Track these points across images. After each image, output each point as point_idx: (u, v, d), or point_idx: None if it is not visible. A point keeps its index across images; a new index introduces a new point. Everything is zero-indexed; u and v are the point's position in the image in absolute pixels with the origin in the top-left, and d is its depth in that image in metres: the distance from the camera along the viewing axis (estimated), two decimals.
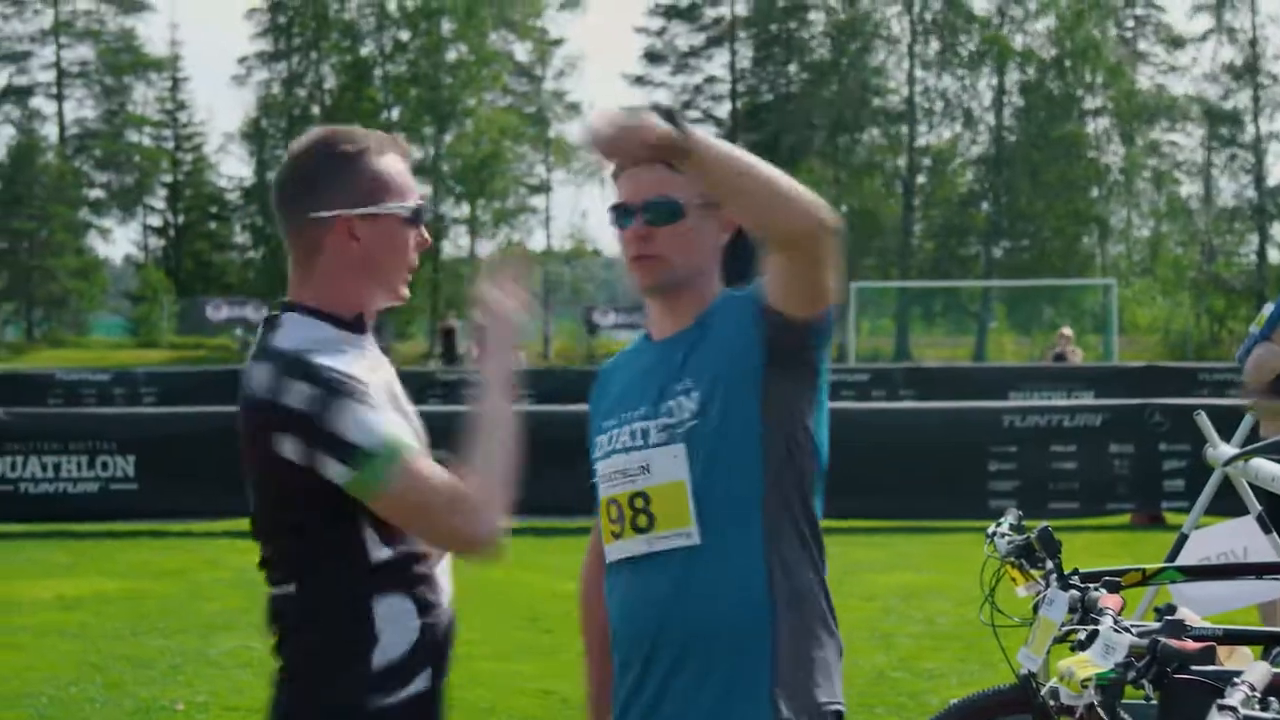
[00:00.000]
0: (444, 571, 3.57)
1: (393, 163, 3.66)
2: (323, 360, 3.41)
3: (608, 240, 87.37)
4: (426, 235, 3.64)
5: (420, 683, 3.46)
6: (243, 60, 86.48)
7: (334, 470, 3.32)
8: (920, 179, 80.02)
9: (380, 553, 3.43)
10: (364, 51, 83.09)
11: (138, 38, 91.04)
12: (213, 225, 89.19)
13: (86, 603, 13.05)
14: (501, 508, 3.36)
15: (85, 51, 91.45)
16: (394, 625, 3.42)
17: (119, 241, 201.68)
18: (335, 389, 3.34)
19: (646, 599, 3.65)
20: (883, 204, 78.59)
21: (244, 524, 14.41)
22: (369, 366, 3.50)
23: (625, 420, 3.75)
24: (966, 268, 76.64)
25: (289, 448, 3.37)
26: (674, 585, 3.61)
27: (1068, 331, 33.19)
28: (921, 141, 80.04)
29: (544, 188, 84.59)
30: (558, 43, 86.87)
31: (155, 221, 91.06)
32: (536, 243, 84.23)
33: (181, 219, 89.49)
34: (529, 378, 33.63)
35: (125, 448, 17.40)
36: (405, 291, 3.66)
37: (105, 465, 17.39)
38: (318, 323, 3.56)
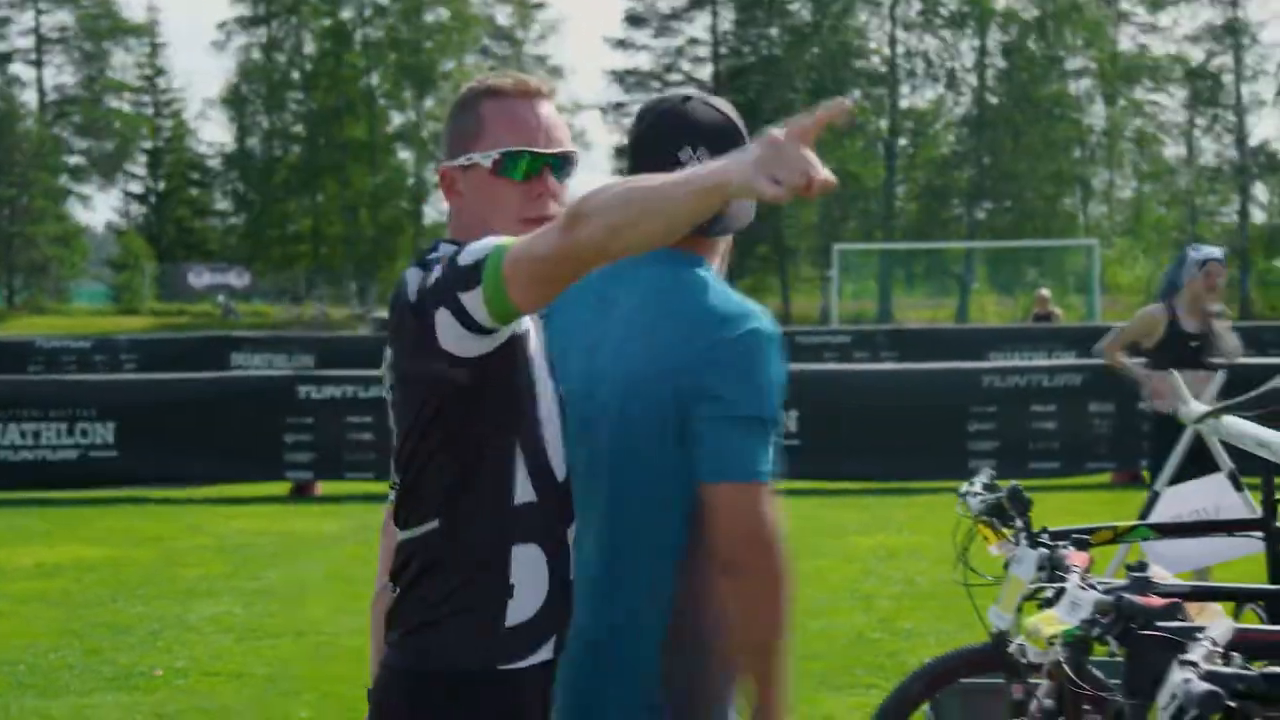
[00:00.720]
0: (574, 543, 3.36)
1: (500, 108, 3.41)
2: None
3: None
4: (546, 182, 3.36)
5: (545, 651, 3.28)
6: (222, 25, 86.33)
7: (472, 303, 3.06)
8: (902, 141, 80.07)
9: (526, 494, 3.25)
10: (344, 15, 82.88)
11: (116, 3, 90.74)
12: (194, 192, 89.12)
13: (66, 570, 13.04)
14: (618, 209, 2.88)
15: (64, 17, 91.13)
16: (529, 578, 3.24)
17: (99, 208, 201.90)
18: (460, 248, 3.15)
19: None
20: (865, 166, 78.60)
21: (222, 490, 14.39)
22: None
23: None
24: (949, 229, 76.67)
25: (443, 325, 3.11)
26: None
27: (1045, 292, 33.21)
28: (903, 103, 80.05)
29: None
30: (538, 6, 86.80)
31: (136, 188, 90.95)
32: None
33: (162, 185, 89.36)
34: None
35: (105, 414, 17.38)
36: None
37: (85, 432, 17.36)
38: None
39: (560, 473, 3.30)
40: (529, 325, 3.30)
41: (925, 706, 5.87)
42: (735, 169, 2.83)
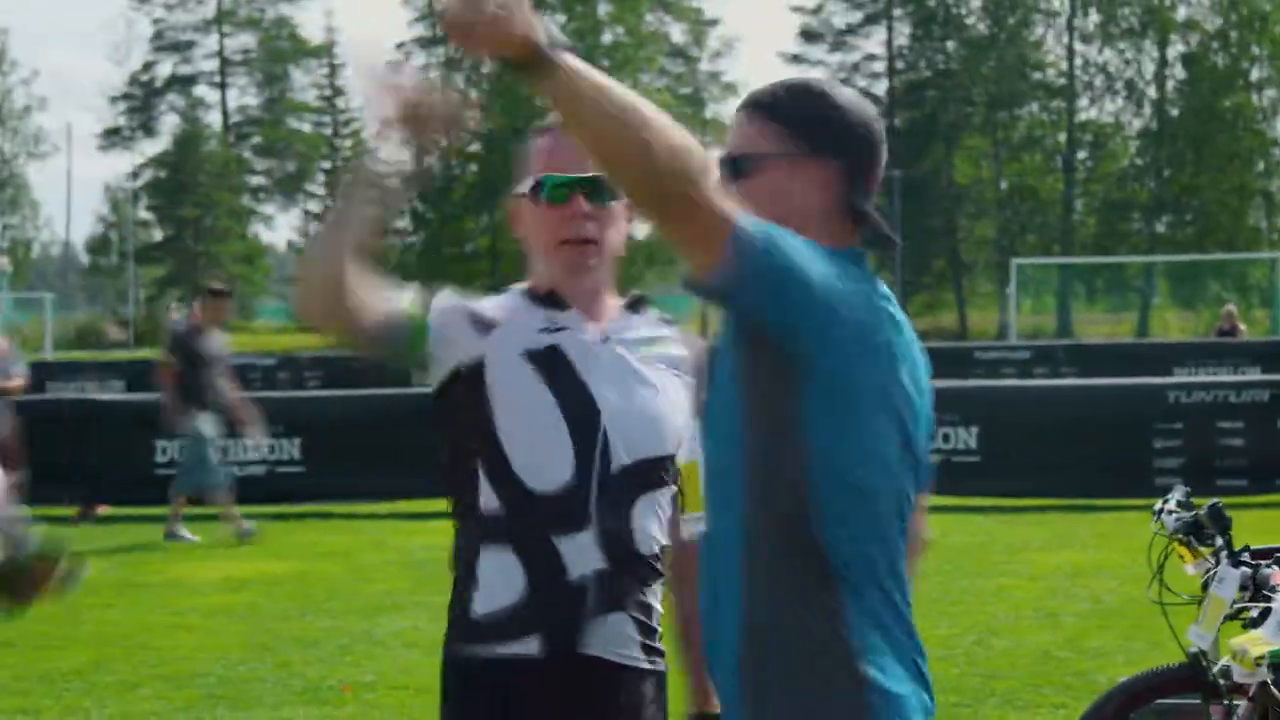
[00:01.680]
0: (580, 547, 3.55)
1: (544, 141, 3.71)
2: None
3: None
4: (577, 204, 3.62)
5: (527, 646, 3.52)
6: (400, 45, 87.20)
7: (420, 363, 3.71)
8: (1081, 154, 79.15)
9: (491, 504, 3.57)
10: None
11: (296, 25, 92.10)
12: None
13: (254, 584, 13.23)
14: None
15: (247, 40, 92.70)
16: (494, 575, 3.56)
17: (281, 228, 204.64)
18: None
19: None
20: (1043, 180, 77.83)
21: (406, 506, 14.58)
22: (529, 324, 3.65)
23: None
24: (1129, 243, 75.66)
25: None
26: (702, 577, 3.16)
27: (1231, 307, 32.73)
28: (1082, 116, 79.17)
29: None
30: (713, 23, 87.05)
31: (315, 207, 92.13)
32: None
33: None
34: None
35: (292, 430, 17.62)
36: (561, 267, 3.66)
37: (272, 448, 17.62)
38: (517, 293, 3.76)
39: (539, 484, 3.55)
40: (485, 353, 3.60)
41: None
42: None
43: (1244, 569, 4.51)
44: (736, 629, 2.96)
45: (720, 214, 2.81)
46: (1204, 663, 4.77)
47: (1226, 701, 4.89)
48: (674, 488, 3.71)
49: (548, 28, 2.78)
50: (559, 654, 3.54)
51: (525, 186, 3.69)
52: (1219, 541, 4.91)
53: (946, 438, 17.01)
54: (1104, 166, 78.81)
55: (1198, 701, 5.31)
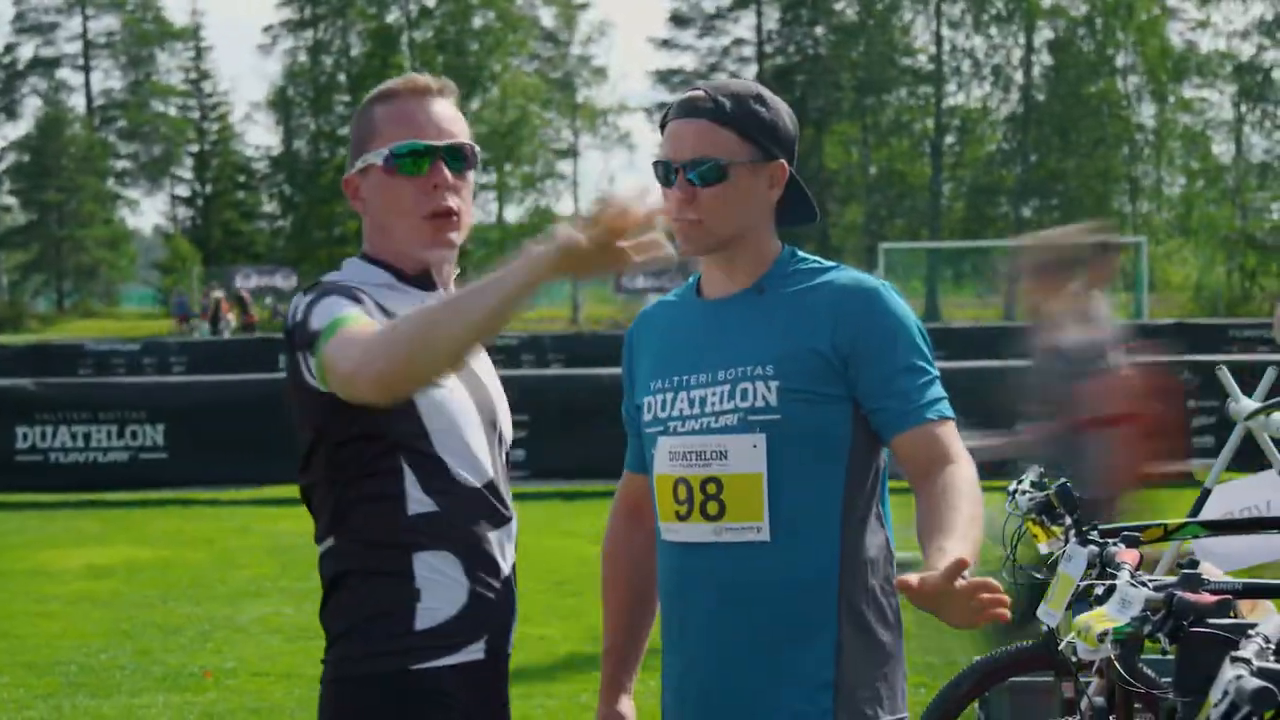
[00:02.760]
0: (503, 541, 3.43)
1: (391, 109, 3.48)
2: (336, 277, 3.44)
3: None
4: (440, 174, 3.42)
5: (473, 652, 3.35)
6: (268, 29, 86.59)
7: (311, 366, 3.25)
8: (949, 139, 79.82)
9: (423, 505, 3.32)
10: (390, 18, 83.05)
11: (162, 7, 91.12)
12: (240, 195, 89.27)
13: (117, 571, 13.10)
14: (389, 355, 3.02)
15: (110, 22, 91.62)
16: (436, 583, 3.32)
17: (147, 212, 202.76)
18: (325, 291, 3.32)
19: (709, 585, 3.47)
20: (911, 165, 78.42)
21: (272, 492, 14.49)
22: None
23: (681, 385, 3.52)
24: (996, 228, 76.37)
25: (304, 365, 3.29)
26: (740, 578, 3.43)
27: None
28: (950, 102, 79.83)
29: (571, 153, 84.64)
30: (584, 7, 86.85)
31: (183, 191, 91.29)
32: (564, 208, 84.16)
33: (209, 189, 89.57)
34: (559, 343, 33.76)
35: (154, 416, 17.45)
36: (429, 242, 3.44)
37: (135, 434, 17.44)
38: (372, 267, 3.49)
39: (475, 479, 3.38)
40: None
41: (975, 705, 5.86)
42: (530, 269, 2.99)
43: (1092, 547, 4.57)
44: (835, 588, 3.39)
45: None
46: (1055, 641, 4.83)
47: (1077, 679, 4.96)
48: None
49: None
50: (495, 655, 3.42)
51: (376, 156, 3.44)
52: (1068, 520, 4.98)
53: None
54: (971, 151, 79.52)
55: (1050, 679, 5.39)
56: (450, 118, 3.48)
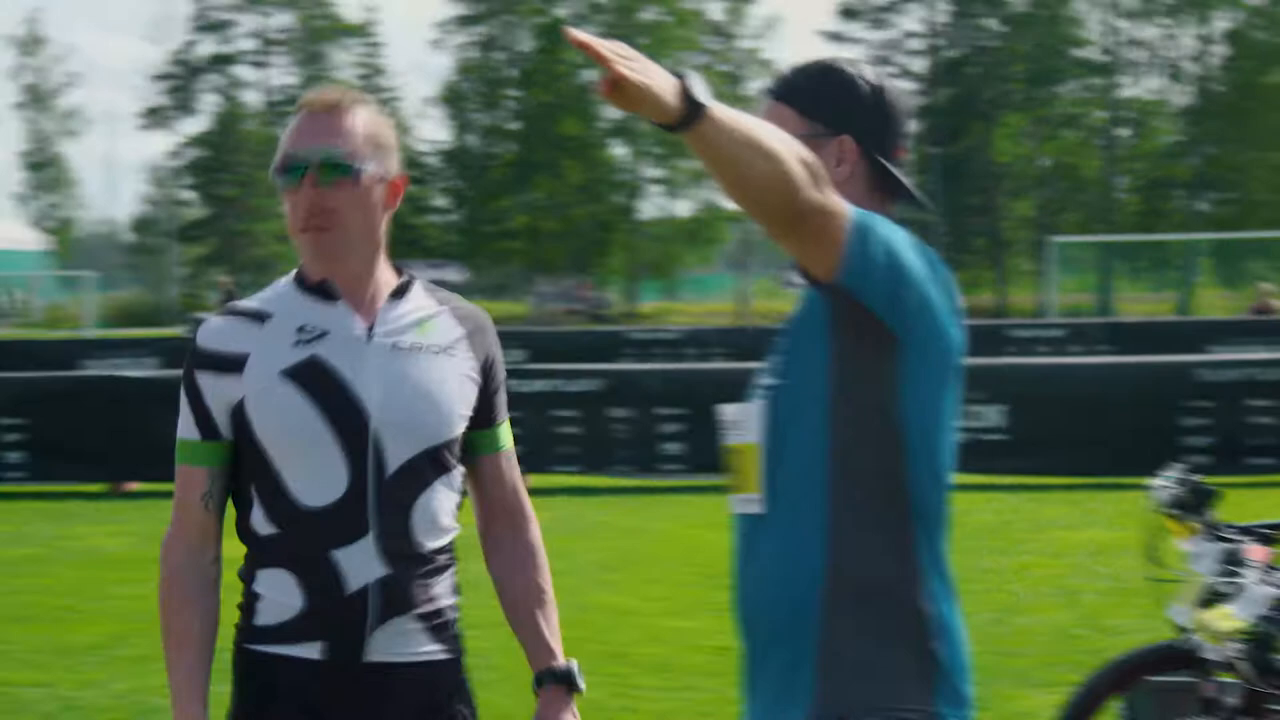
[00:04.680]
0: (356, 560, 3.54)
1: (291, 124, 3.66)
2: (205, 331, 3.66)
3: None
4: (305, 187, 3.58)
5: (308, 650, 3.56)
6: (440, 24, 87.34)
7: None
8: (1122, 132, 78.77)
9: (264, 528, 3.59)
10: (559, 12, 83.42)
11: (335, 4, 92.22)
12: (412, 189, 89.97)
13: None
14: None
15: (286, 19, 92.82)
16: (272, 594, 3.58)
17: None
18: (187, 364, 3.64)
19: (735, 562, 3.50)
20: (1083, 158, 77.47)
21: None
22: (284, 339, 3.60)
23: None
24: (1171, 221, 75.29)
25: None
26: (743, 555, 3.43)
27: (1266, 286, 32.52)
28: (1123, 93, 78.78)
29: None
30: (752, 1, 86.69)
31: None
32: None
33: None
34: (722, 336, 33.74)
35: None
36: (309, 255, 3.63)
37: None
38: (288, 286, 3.74)
39: (312, 500, 3.54)
40: (243, 393, 3.55)
41: (1116, 703, 5.78)
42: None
43: (1221, 544, 4.48)
44: (820, 577, 3.23)
45: (837, 214, 3.07)
46: (1190, 639, 4.75)
47: (1213, 677, 4.87)
48: (461, 468, 3.72)
49: (692, 83, 2.89)
50: (344, 661, 3.56)
51: (271, 171, 3.65)
52: (1202, 517, 4.89)
53: (974, 415, 16.96)
54: (1145, 144, 78.42)
55: (1188, 679, 5.30)
56: (327, 129, 3.63)
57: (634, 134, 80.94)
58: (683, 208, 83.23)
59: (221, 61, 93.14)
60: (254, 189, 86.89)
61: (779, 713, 3.30)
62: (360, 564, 3.53)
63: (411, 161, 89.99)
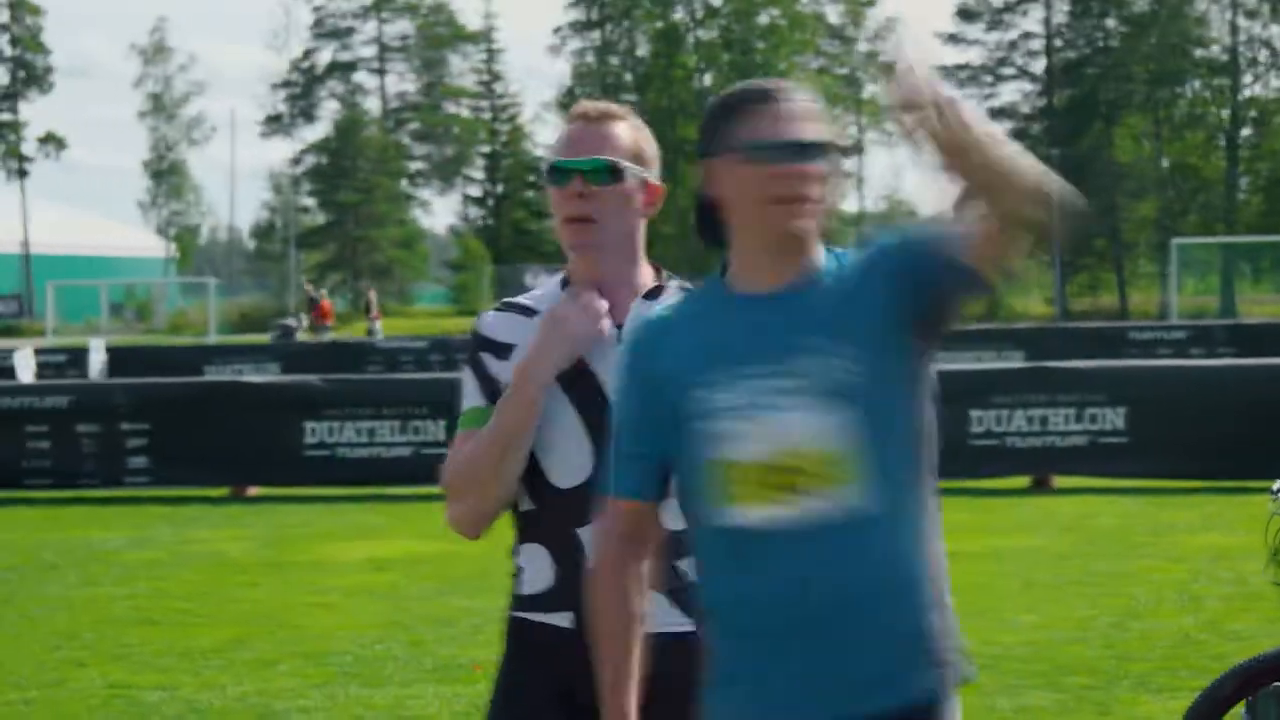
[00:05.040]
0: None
1: (563, 133, 4.03)
2: (483, 321, 4.06)
3: (923, 201, 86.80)
4: (573, 188, 3.91)
5: (560, 619, 3.86)
6: (557, 30, 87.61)
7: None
8: (1245, 131, 77.87)
9: (525, 505, 3.92)
10: (676, 17, 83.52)
11: (454, 10, 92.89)
12: (530, 194, 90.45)
13: (396, 564, 13.37)
14: (459, 497, 3.88)
15: (404, 26, 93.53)
16: (531, 567, 3.91)
17: (439, 212, 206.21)
18: (470, 348, 4.02)
19: (806, 565, 3.37)
20: (1205, 158, 76.66)
21: None
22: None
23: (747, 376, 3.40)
24: None
25: None
26: (847, 551, 3.34)
27: None
28: (1246, 93, 77.89)
29: (857, 149, 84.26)
30: (870, 3, 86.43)
31: (474, 191, 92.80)
32: (849, 205, 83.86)
33: (499, 188, 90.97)
34: None
35: (436, 412, 17.71)
36: (570, 250, 3.99)
37: (417, 430, 17.77)
38: (554, 284, 4.12)
39: (563, 482, 3.87)
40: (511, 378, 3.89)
41: (1240, 708, 5.71)
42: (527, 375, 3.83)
43: None
44: (919, 581, 3.33)
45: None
46: None
47: None
48: None
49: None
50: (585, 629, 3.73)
51: (544, 171, 4.03)
52: None
53: (1094, 418, 16.81)
54: (1269, 144, 77.46)
55: None
56: (592, 137, 3.96)
57: None
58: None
59: (341, 69, 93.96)
60: (373, 195, 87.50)
61: (871, 694, 3.33)
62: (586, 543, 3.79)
63: (529, 167, 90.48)
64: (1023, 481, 16.95)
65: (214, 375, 29.95)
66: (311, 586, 12.43)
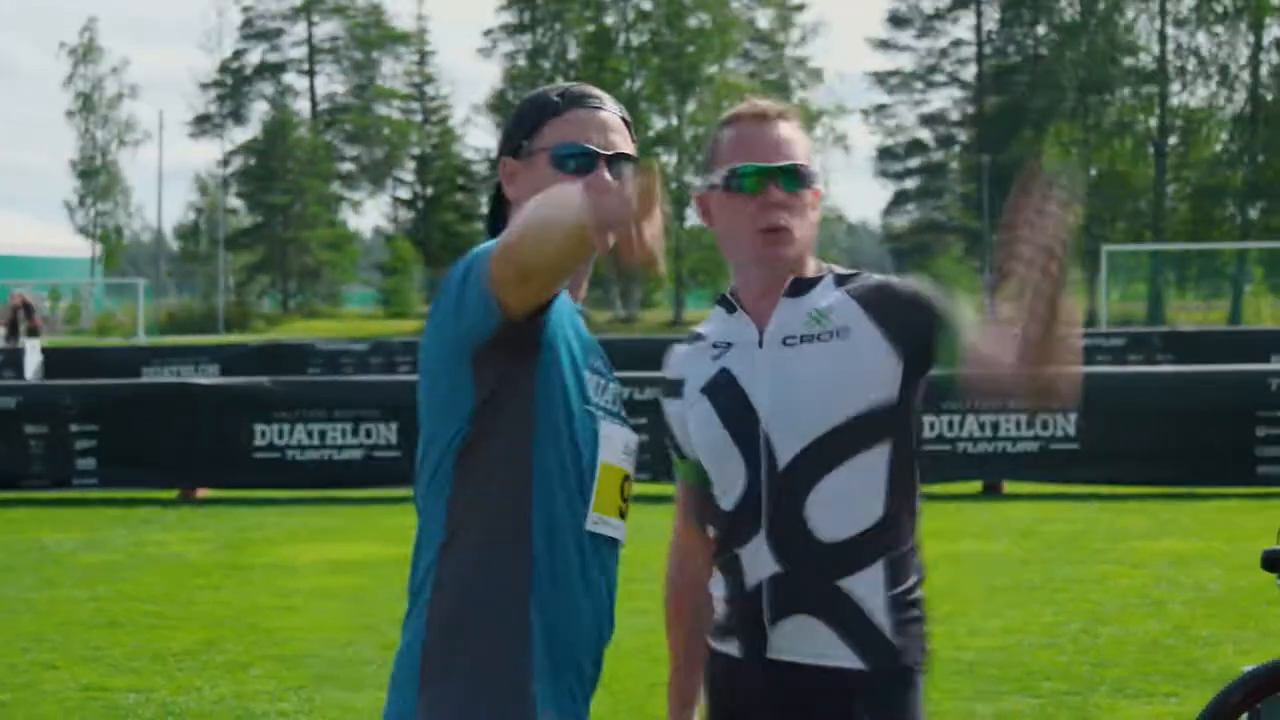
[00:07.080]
0: (751, 558, 3.65)
1: (733, 131, 3.76)
2: (667, 359, 3.92)
3: (852, 208, 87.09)
4: (768, 194, 3.66)
5: (729, 646, 3.71)
6: (488, 33, 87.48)
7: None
8: (1172, 140, 78.50)
9: (712, 532, 3.82)
10: (607, 21, 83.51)
11: (385, 12, 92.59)
12: (460, 197, 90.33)
13: (358, 567, 13.30)
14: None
15: (335, 27, 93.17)
16: (717, 594, 3.76)
17: (369, 214, 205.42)
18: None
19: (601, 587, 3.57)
20: (1134, 166, 77.24)
21: None
22: (705, 356, 3.79)
23: None
24: (1222, 230, 74.99)
25: None
26: (608, 581, 3.59)
27: None
28: (1174, 101, 78.52)
29: None
30: (799, 8, 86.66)
31: (404, 194, 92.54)
32: None
33: (430, 191, 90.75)
34: None
35: (387, 415, 17.68)
36: (760, 259, 3.75)
37: (369, 432, 17.70)
38: (718, 306, 3.89)
39: (726, 503, 3.73)
40: (686, 411, 3.80)
41: (1244, 716, 5.75)
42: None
43: None
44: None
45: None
46: None
47: None
48: (882, 448, 3.61)
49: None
50: (753, 657, 3.66)
51: (717, 177, 3.66)
52: None
53: (1045, 424, 16.91)
54: (1196, 152, 78.11)
55: None
56: (786, 140, 3.69)
57: (680, 143, 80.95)
58: None
59: (270, 70, 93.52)
60: (303, 196, 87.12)
61: None
62: (756, 561, 3.63)
63: (460, 169, 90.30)
64: (975, 487, 17.05)
65: (152, 377, 29.71)
66: (275, 589, 12.36)
